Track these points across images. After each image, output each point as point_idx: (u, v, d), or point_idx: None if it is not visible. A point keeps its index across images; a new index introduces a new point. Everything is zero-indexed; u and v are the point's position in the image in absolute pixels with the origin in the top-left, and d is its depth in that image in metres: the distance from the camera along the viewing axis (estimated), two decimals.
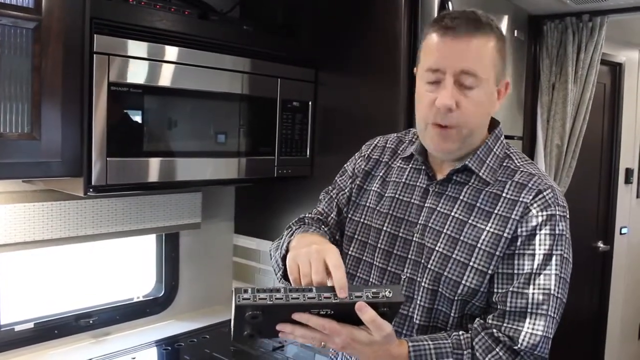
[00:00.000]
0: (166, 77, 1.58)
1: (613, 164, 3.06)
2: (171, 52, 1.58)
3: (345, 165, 1.36)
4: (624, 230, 3.16)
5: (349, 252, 1.26)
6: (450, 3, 1.75)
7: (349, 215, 1.29)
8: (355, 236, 1.26)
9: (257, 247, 2.25)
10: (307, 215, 1.33)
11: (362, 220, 1.26)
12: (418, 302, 1.13)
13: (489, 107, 1.13)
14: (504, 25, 2.18)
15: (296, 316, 0.94)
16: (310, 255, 0.99)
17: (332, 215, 1.31)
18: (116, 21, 1.45)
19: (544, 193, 1.09)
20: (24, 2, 1.28)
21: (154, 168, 1.57)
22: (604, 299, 3.11)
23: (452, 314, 1.11)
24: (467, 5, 1.92)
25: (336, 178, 1.36)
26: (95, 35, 1.40)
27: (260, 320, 0.93)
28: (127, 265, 2.06)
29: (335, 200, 1.32)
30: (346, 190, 1.31)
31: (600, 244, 3.05)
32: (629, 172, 3.16)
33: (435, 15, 1.75)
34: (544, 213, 1.08)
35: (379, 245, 1.21)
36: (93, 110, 1.41)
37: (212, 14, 1.77)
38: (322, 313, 0.95)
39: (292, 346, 1.94)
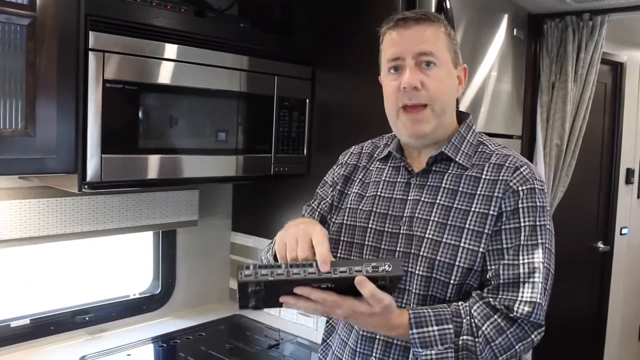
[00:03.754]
0: (162, 75, 1.58)
1: (614, 164, 3.04)
2: (167, 49, 1.57)
3: (324, 178, 1.39)
4: (624, 231, 3.14)
5: (337, 255, 1.26)
6: (448, 1, 1.74)
7: (332, 220, 1.31)
8: (341, 238, 1.27)
9: (254, 244, 2.25)
10: None
11: (344, 221, 1.27)
12: (413, 290, 1.15)
13: (452, 87, 1.19)
14: (503, 24, 2.18)
15: (298, 290, 0.98)
16: (297, 234, 1.03)
17: None
18: (112, 18, 1.44)
19: (521, 169, 1.14)
20: None
21: (149, 165, 1.57)
22: (603, 300, 3.10)
23: (447, 298, 1.13)
24: (465, 4, 1.93)
25: (317, 190, 1.39)
26: (90, 32, 1.40)
27: (262, 294, 0.97)
28: (124, 262, 2.07)
29: (318, 209, 1.34)
30: (327, 199, 1.34)
31: (601, 245, 3.04)
32: (629, 172, 3.15)
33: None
34: (524, 187, 1.13)
35: (366, 242, 1.22)
36: (88, 107, 1.41)
37: (209, 11, 1.76)
38: (323, 287, 0.98)
39: (288, 344, 1.94)
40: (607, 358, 3.14)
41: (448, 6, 1.73)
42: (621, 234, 3.13)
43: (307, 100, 1.99)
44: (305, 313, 1.06)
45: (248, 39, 1.80)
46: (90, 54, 1.40)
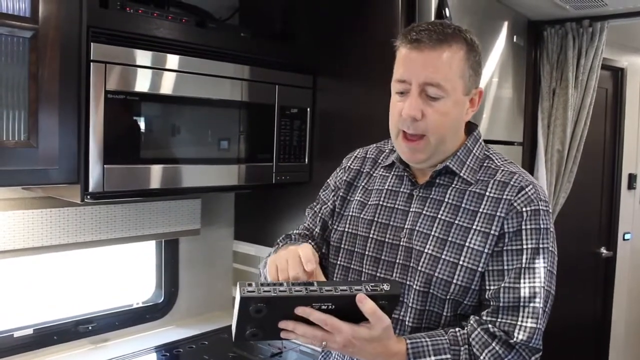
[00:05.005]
0: (164, 85, 1.59)
1: (615, 169, 3.05)
2: (169, 60, 1.58)
3: (327, 180, 1.39)
4: (627, 236, 3.14)
5: (338, 262, 1.27)
6: (447, 9, 1.75)
7: (334, 227, 1.30)
8: (342, 246, 1.27)
9: (257, 253, 2.25)
10: (294, 232, 1.36)
11: (346, 229, 1.27)
12: (409, 304, 1.15)
13: (458, 116, 1.15)
14: (503, 31, 2.19)
15: (299, 310, 0.97)
16: (287, 254, 1.04)
17: (316, 229, 1.33)
18: (113, 29, 1.45)
19: (526, 189, 1.12)
20: (21, 11, 1.29)
21: (151, 175, 1.58)
22: (607, 305, 3.09)
23: (444, 314, 1.13)
24: (464, 11, 1.94)
25: (320, 193, 1.39)
26: (92, 43, 1.40)
27: (263, 314, 0.95)
28: (126, 272, 2.07)
29: (319, 214, 1.34)
30: (329, 203, 1.33)
31: (604, 250, 3.04)
32: (631, 178, 3.15)
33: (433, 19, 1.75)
34: (528, 208, 1.10)
35: (366, 252, 1.22)
36: (90, 117, 1.42)
37: (210, 21, 1.77)
38: (323, 308, 0.97)
39: (291, 352, 1.94)
40: None
41: (447, 14, 1.74)
42: (624, 239, 3.12)
43: (309, 109, 1.99)
44: (304, 343, 1.05)
45: (249, 48, 1.81)
46: (92, 65, 1.41)
